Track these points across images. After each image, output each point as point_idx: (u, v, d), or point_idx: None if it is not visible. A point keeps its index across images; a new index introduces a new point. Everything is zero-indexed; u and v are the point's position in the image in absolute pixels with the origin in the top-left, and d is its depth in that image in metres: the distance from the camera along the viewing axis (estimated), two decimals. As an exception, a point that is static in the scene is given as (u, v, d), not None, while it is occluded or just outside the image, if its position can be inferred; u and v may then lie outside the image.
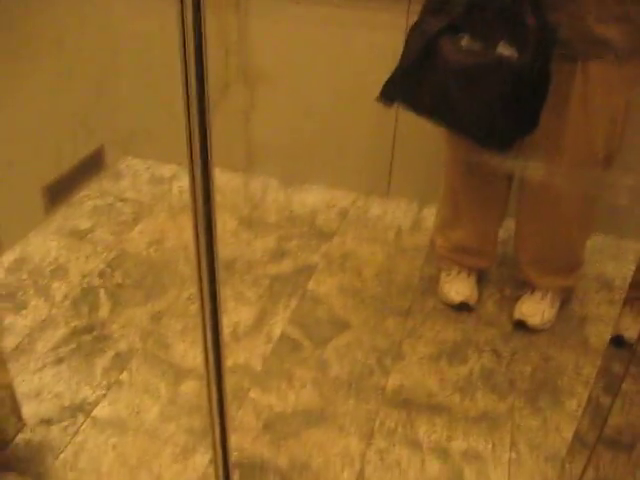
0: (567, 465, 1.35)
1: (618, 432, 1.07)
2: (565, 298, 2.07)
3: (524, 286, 2.06)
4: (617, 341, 1.15)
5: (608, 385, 1.11)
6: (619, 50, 1.57)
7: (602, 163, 1.73)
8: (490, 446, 1.65)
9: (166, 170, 2.72)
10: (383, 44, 2.14)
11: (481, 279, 2.13)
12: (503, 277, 2.18)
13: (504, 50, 1.53)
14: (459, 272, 2.08)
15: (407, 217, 2.47)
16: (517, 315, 2.00)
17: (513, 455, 1.63)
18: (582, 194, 1.84)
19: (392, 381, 1.82)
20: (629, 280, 1.20)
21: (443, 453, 1.63)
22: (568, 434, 1.65)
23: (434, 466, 1.60)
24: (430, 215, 2.42)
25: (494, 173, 1.92)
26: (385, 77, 1.69)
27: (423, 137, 2.30)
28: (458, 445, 1.65)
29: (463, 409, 1.74)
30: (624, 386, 1.01)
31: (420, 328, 1.99)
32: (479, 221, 2.03)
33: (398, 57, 1.67)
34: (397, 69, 1.69)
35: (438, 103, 1.66)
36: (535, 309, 1.99)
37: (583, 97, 1.64)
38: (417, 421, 1.71)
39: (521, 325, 1.99)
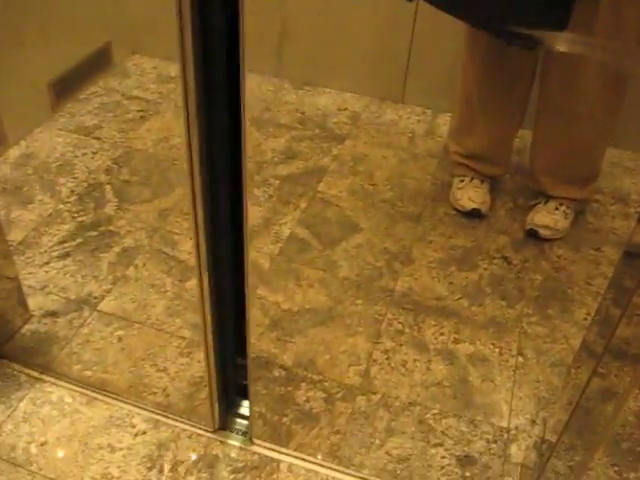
0: (573, 372, 1.35)
1: (626, 343, 1.06)
2: (579, 210, 2.03)
3: (538, 196, 2.02)
4: (629, 254, 1.13)
5: (618, 297, 1.09)
6: None
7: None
8: (497, 350, 1.65)
9: (173, 69, 2.64)
10: None
11: (494, 188, 2.08)
12: (517, 187, 2.14)
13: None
14: (472, 179, 2.03)
15: (421, 124, 2.41)
16: (529, 224, 1.97)
17: (519, 360, 1.63)
18: (604, 100, 1.78)
19: (401, 284, 1.80)
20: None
21: (449, 355, 1.63)
22: (575, 342, 1.64)
23: (440, 368, 1.60)
24: (445, 123, 2.36)
25: (513, 76, 1.86)
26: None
27: (441, 43, 2.22)
28: (465, 348, 1.65)
29: (471, 314, 1.73)
30: (634, 299, 0.99)
31: (430, 233, 1.96)
32: (494, 128, 1.97)
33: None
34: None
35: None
36: (548, 219, 1.95)
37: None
38: (424, 323, 1.70)
39: (533, 234, 1.96)
